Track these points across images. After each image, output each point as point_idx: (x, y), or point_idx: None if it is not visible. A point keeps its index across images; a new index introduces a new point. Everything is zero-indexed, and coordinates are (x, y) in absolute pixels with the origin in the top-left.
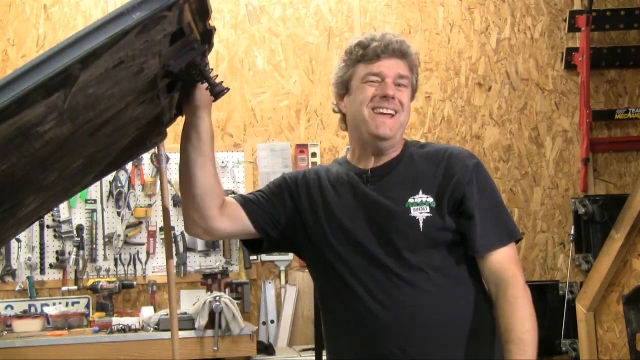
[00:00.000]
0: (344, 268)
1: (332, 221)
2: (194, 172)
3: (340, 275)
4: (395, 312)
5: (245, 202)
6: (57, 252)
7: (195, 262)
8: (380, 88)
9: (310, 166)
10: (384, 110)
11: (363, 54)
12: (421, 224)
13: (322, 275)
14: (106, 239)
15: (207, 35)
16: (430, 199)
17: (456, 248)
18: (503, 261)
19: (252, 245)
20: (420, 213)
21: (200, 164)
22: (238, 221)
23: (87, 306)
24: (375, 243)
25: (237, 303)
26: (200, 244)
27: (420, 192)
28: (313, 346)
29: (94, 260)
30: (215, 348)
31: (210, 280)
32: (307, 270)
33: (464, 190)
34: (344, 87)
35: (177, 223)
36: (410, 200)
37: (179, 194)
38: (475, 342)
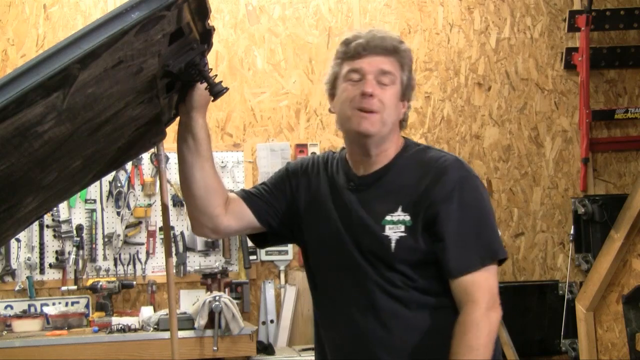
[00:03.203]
0: (329, 269)
1: (324, 222)
2: (193, 174)
3: (325, 276)
4: (371, 319)
5: (248, 196)
6: (56, 252)
7: (195, 262)
8: (360, 86)
9: None
10: (364, 108)
11: (346, 51)
12: (393, 244)
13: (311, 273)
14: (106, 239)
15: (207, 35)
16: (407, 218)
17: (432, 265)
18: (469, 285)
19: (258, 239)
20: (395, 232)
21: (198, 166)
22: (243, 216)
23: (87, 306)
24: (356, 252)
25: (236, 303)
26: (200, 244)
27: (400, 209)
28: (313, 346)
29: (93, 260)
30: (215, 348)
31: (210, 280)
32: None
33: (438, 210)
34: (332, 87)
35: (177, 223)
36: (388, 217)
37: (179, 194)
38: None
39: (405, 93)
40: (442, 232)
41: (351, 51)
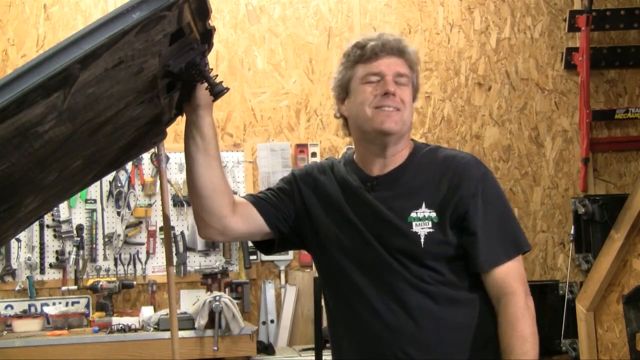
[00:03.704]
0: (352, 269)
1: (342, 223)
2: (201, 173)
3: (347, 276)
4: (400, 315)
5: (256, 200)
6: (57, 252)
7: (195, 262)
8: (380, 86)
9: None
10: (387, 108)
11: (361, 54)
12: (422, 240)
13: (329, 274)
14: (106, 239)
15: (207, 35)
16: (433, 214)
17: (460, 260)
18: (504, 277)
19: (263, 246)
20: (422, 229)
21: (206, 164)
22: (251, 220)
23: (87, 306)
24: (382, 250)
25: (237, 303)
26: (200, 244)
27: (424, 205)
28: (313, 346)
29: (94, 260)
30: (215, 348)
31: (210, 280)
32: (307, 270)
33: (467, 206)
34: (343, 91)
35: (177, 223)
36: (413, 214)
37: (179, 194)
38: (479, 348)
39: (415, 94)
40: (471, 228)
41: (367, 53)
